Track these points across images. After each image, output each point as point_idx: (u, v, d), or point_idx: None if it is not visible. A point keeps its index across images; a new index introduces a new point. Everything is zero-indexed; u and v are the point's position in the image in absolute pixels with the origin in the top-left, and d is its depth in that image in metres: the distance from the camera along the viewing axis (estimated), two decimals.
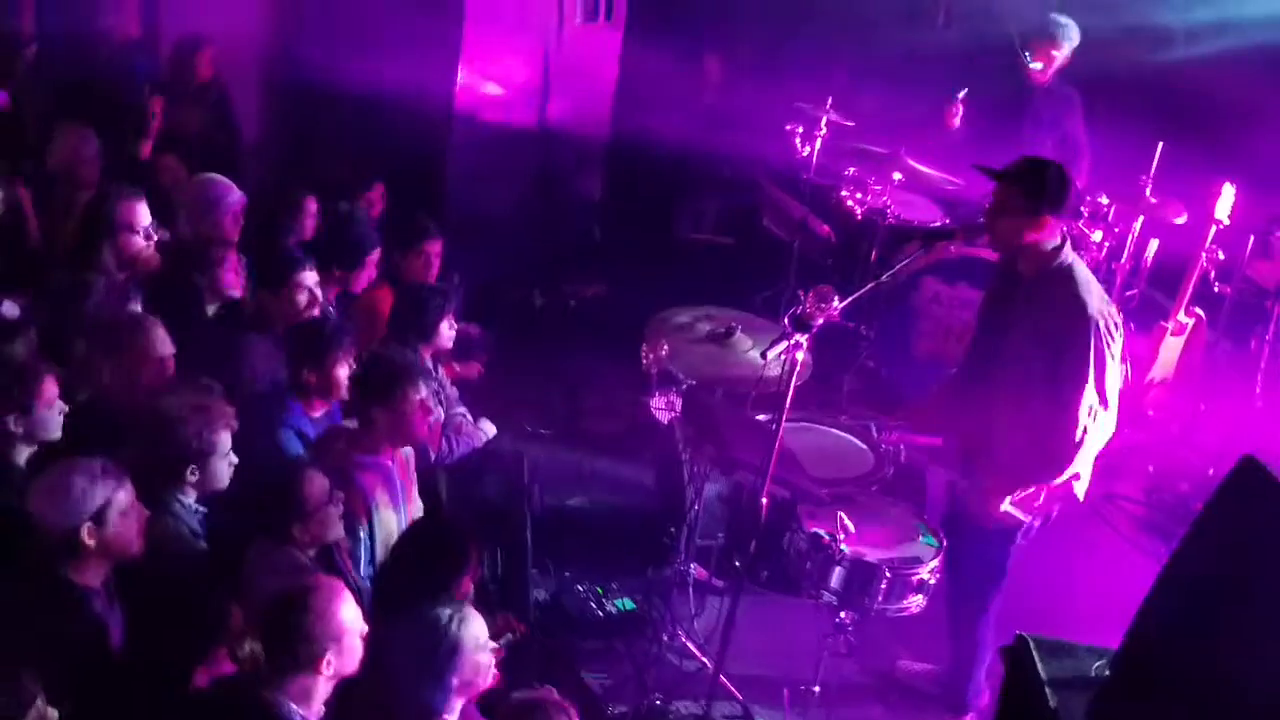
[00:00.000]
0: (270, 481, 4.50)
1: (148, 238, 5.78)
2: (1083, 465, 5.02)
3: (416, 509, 5.10)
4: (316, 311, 5.65)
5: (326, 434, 5.06)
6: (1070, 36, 7.47)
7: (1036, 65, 7.55)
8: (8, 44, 7.73)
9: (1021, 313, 4.96)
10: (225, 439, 4.49)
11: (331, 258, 6.08)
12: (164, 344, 5.01)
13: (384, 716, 3.82)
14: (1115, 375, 4.89)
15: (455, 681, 3.78)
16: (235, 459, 4.53)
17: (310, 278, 5.67)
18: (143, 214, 5.78)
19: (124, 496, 4.00)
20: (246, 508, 4.49)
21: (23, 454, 4.47)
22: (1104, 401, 4.86)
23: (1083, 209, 7.36)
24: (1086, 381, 4.78)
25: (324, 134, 8.52)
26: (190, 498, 4.49)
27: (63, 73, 7.92)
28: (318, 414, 5.23)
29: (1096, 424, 4.87)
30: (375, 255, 6.23)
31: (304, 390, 5.19)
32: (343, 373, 5.19)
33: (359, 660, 3.73)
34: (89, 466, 3.98)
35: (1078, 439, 4.86)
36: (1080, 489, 5.13)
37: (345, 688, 3.77)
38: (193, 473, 4.44)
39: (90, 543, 3.92)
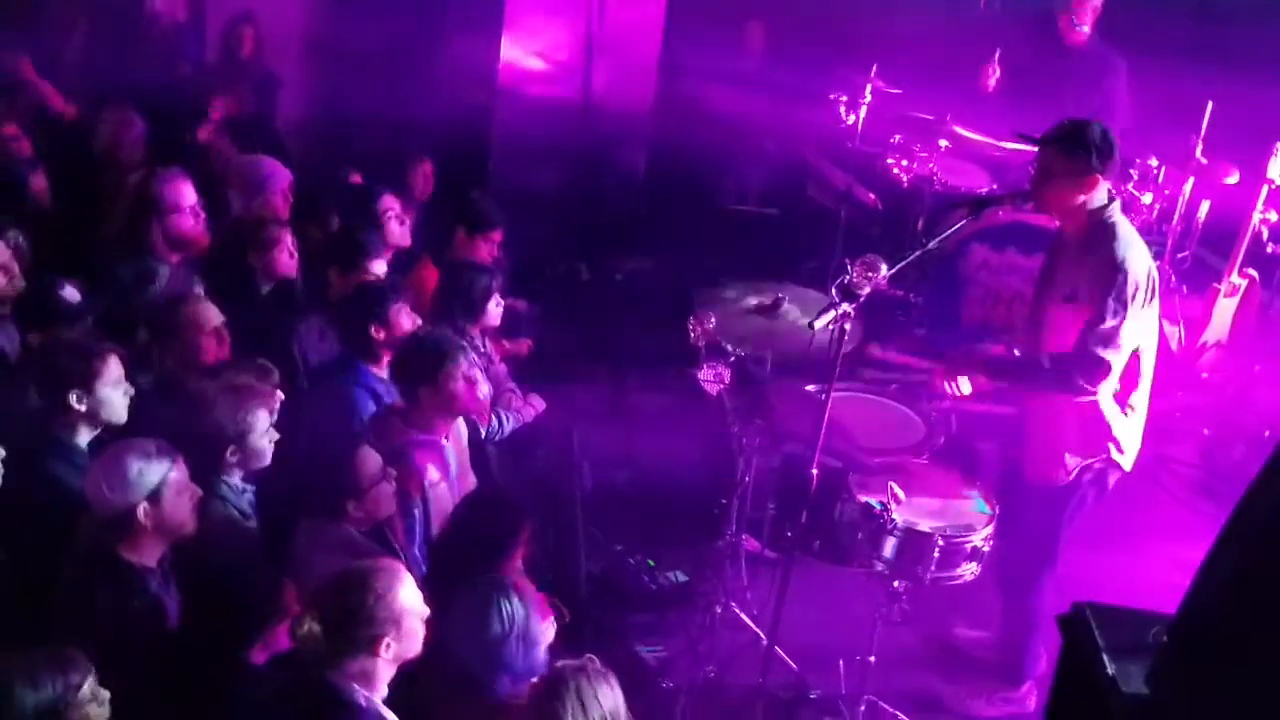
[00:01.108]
0: (324, 459, 4.53)
1: (195, 216, 5.83)
2: (1124, 431, 4.97)
3: (470, 484, 5.13)
4: None
5: (381, 413, 5.10)
6: None
7: (1083, 27, 7.45)
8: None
9: (1068, 273, 4.93)
10: (261, 418, 4.51)
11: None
12: (215, 317, 5.06)
13: (448, 693, 3.84)
14: (1153, 341, 4.81)
15: (519, 651, 3.81)
16: (276, 435, 4.56)
17: (380, 266, 5.78)
18: (188, 194, 5.83)
19: (177, 475, 4.04)
20: (304, 483, 4.53)
21: (85, 435, 4.50)
22: (1115, 347, 4.77)
23: (1132, 171, 7.27)
24: (1104, 320, 4.70)
25: (368, 111, 8.55)
26: (236, 478, 4.53)
27: (111, 56, 7.99)
28: (386, 373, 5.29)
29: (1105, 364, 4.78)
30: (385, 201, 6.29)
31: (371, 349, 5.28)
32: (406, 321, 5.31)
33: (420, 642, 3.72)
34: (143, 446, 4.03)
35: (1120, 400, 4.81)
36: (1127, 460, 5.08)
37: (411, 670, 3.77)
38: (233, 454, 4.47)
39: (146, 522, 3.97)
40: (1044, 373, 4.89)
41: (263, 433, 4.53)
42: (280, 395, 4.75)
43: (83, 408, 4.44)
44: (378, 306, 5.30)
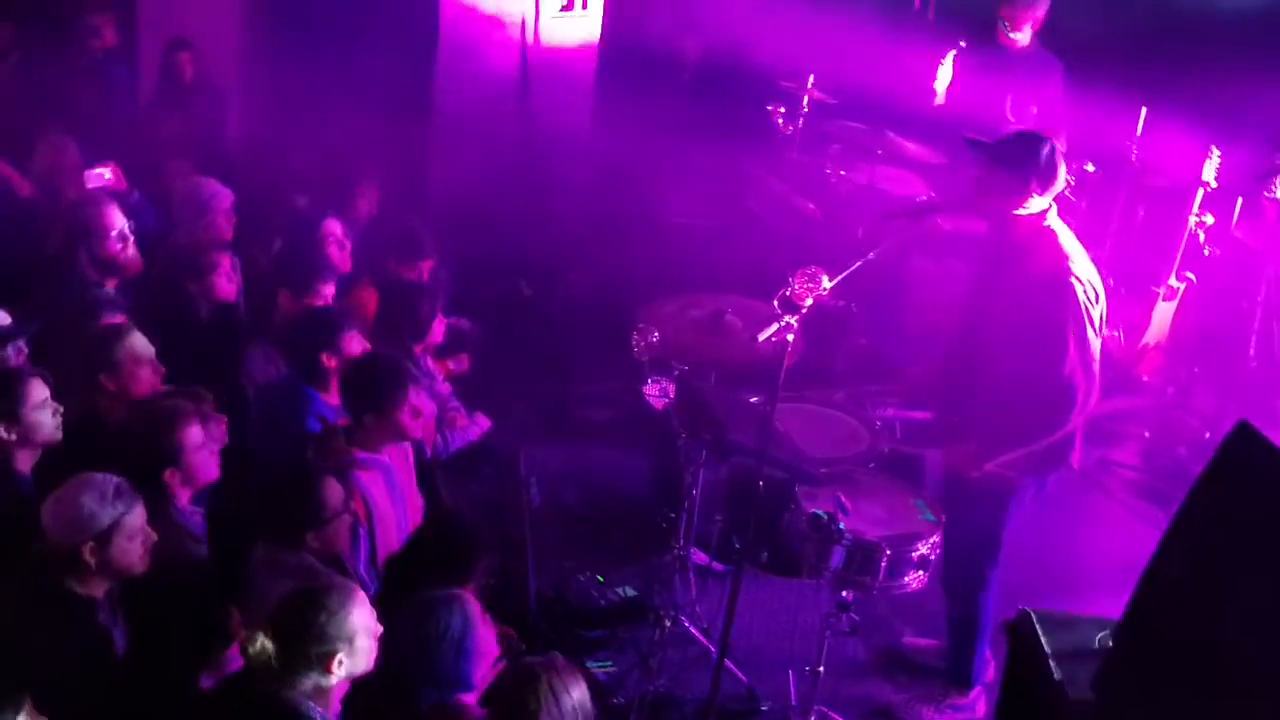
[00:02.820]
0: (285, 487, 4.49)
1: (123, 241, 5.77)
2: (1071, 431, 5.02)
3: (416, 504, 5.09)
4: None
5: (325, 433, 5.06)
6: None
7: (1020, 35, 7.51)
8: None
9: (1006, 280, 4.96)
10: (192, 434, 4.47)
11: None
12: (144, 349, 4.99)
13: (376, 697, 3.82)
14: (1095, 340, 4.88)
15: (453, 661, 3.80)
16: (215, 446, 4.53)
17: (330, 289, 5.76)
18: (115, 218, 5.77)
19: (132, 520, 4.00)
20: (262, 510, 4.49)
21: (25, 461, 4.45)
22: (1085, 366, 4.85)
23: (1070, 177, 7.34)
24: (1068, 344, 4.78)
25: (305, 132, 8.50)
26: (184, 499, 4.48)
27: (42, 83, 7.90)
28: (337, 400, 5.25)
29: (1079, 388, 4.86)
30: (327, 226, 6.28)
31: (321, 376, 5.24)
32: (357, 348, 5.30)
33: (371, 661, 3.73)
34: (102, 486, 3.98)
35: (1062, 401, 4.85)
36: (1074, 457, 5.12)
37: (359, 685, 3.77)
38: (172, 475, 4.42)
39: (91, 560, 3.93)
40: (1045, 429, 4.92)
41: (197, 449, 4.48)
42: (220, 417, 4.70)
43: (13, 436, 4.39)
44: (330, 333, 5.26)
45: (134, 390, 4.91)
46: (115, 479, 4.02)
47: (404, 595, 4.06)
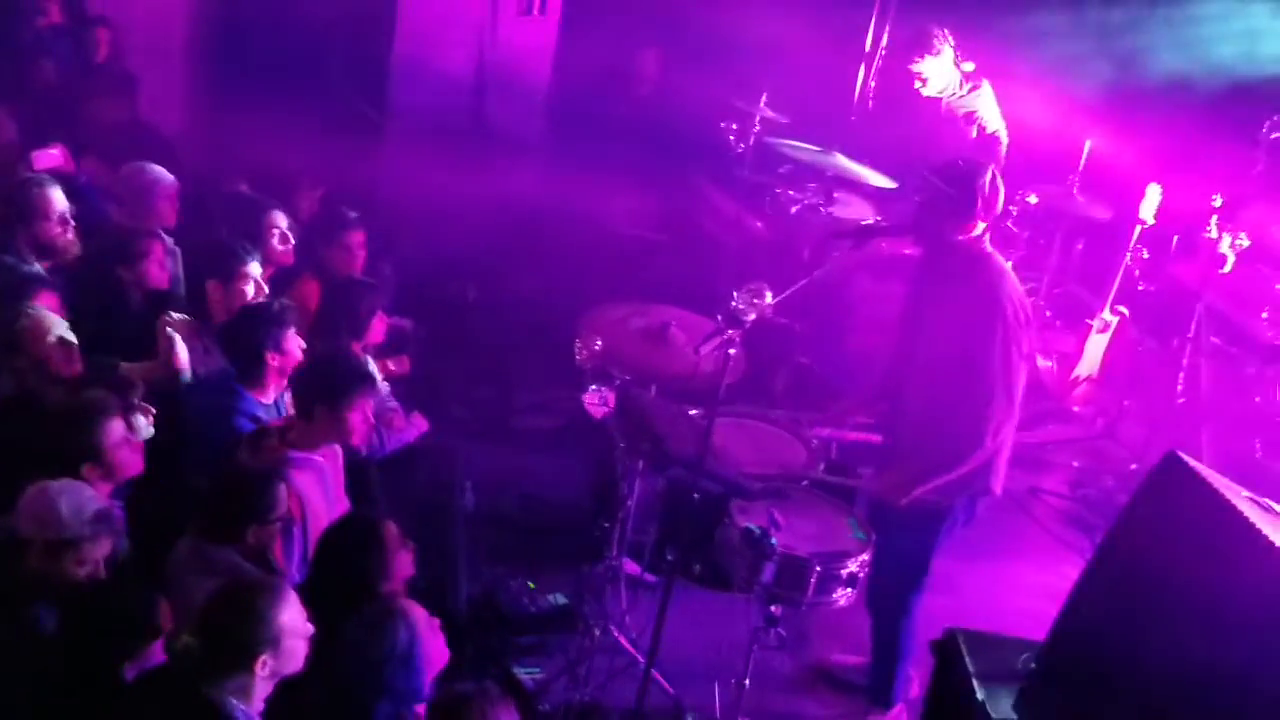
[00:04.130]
0: (234, 482, 4.46)
1: (63, 224, 5.70)
2: (993, 455, 5.08)
3: (343, 508, 5.06)
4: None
5: (259, 432, 5.01)
6: (940, 47, 7.34)
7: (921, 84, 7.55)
8: None
9: (940, 302, 5.03)
10: (112, 429, 4.42)
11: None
12: (54, 326, 4.92)
13: (328, 715, 3.81)
14: (1020, 368, 4.95)
15: (402, 675, 3.79)
16: (138, 439, 4.50)
17: (255, 268, 5.65)
18: (58, 200, 5.69)
19: (92, 549, 3.99)
20: (193, 501, 4.46)
21: None
22: (1007, 389, 4.92)
23: (1011, 208, 7.45)
24: (992, 365, 4.85)
25: (255, 126, 8.44)
26: (103, 492, 4.39)
27: None
28: (270, 399, 5.22)
29: (997, 411, 4.93)
30: (272, 218, 6.19)
31: (260, 375, 5.17)
32: (296, 348, 5.22)
33: (301, 661, 3.72)
34: (86, 505, 3.99)
35: (980, 424, 4.92)
36: (997, 484, 5.18)
37: (288, 685, 3.75)
38: (91, 469, 4.36)
39: (33, 561, 3.94)
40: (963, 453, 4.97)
41: (118, 444, 4.43)
42: (147, 408, 4.66)
43: None
44: (275, 330, 5.18)
45: (53, 370, 4.84)
46: (103, 506, 4.03)
47: (330, 599, 4.05)
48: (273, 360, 5.17)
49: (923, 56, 7.32)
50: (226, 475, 4.53)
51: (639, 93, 9.20)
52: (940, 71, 7.38)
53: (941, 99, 7.45)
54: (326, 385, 4.91)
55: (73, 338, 4.95)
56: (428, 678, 3.86)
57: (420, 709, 3.84)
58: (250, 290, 5.64)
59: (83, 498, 4.00)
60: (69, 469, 4.26)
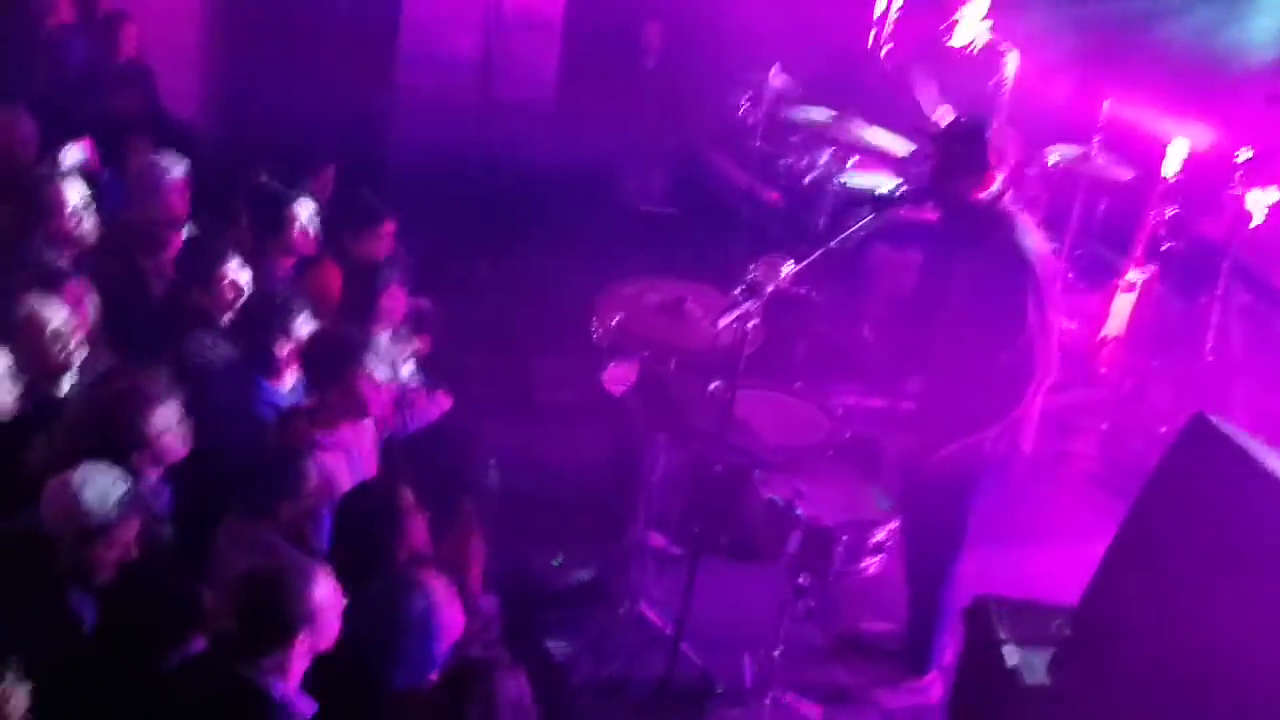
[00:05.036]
0: (267, 458, 4.51)
1: (79, 215, 5.69)
2: (1026, 411, 5.04)
3: None
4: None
5: (286, 414, 5.02)
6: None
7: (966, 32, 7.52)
8: None
9: (964, 265, 4.99)
10: (162, 415, 4.42)
11: (260, 231, 6.09)
12: (52, 319, 4.88)
13: (363, 687, 3.82)
14: (1055, 322, 4.92)
15: (419, 645, 3.80)
16: (184, 427, 4.49)
17: (232, 268, 5.57)
18: (72, 195, 5.69)
19: (122, 531, 3.98)
20: (224, 484, 4.48)
21: None
22: (1046, 342, 4.88)
23: (1030, 170, 7.38)
24: (1027, 322, 4.81)
25: (266, 110, 8.43)
26: (152, 478, 4.44)
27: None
28: (288, 387, 5.20)
29: (1037, 365, 4.88)
30: (295, 208, 6.14)
31: (273, 364, 5.16)
32: (306, 333, 5.20)
33: (334, 636, 3.75)
34: (110, 487, 3.97)
35: (1019, 380, 4.89)
36: (1024, 440, 5.15)
37: (322, 658, 3.78)
38: (139, 455, 4.37)
39: (67, 555, 3.93)
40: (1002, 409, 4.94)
41: (165, 430, 4.43)
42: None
43: None
44: (282, 319, 5.17)
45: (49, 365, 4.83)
46: (125, 485, 4.01)
47: (351, 568, 4.05)
48: (282, 350, 5.16)
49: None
50: (260, 453, 4.59)
51: (645, 65, 9.15)
52: (973, 18, 7.32)
53: (969, 50, 7.42)
54: (325, 362, 4.94)
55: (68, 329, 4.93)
56: (443, 646, 3.87)
57: (433, 676, 3.84)
58: (228, 291, 5.52)
59: (105, 482, 3.98)
60: (119, 456, 4.27)
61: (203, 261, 5.59)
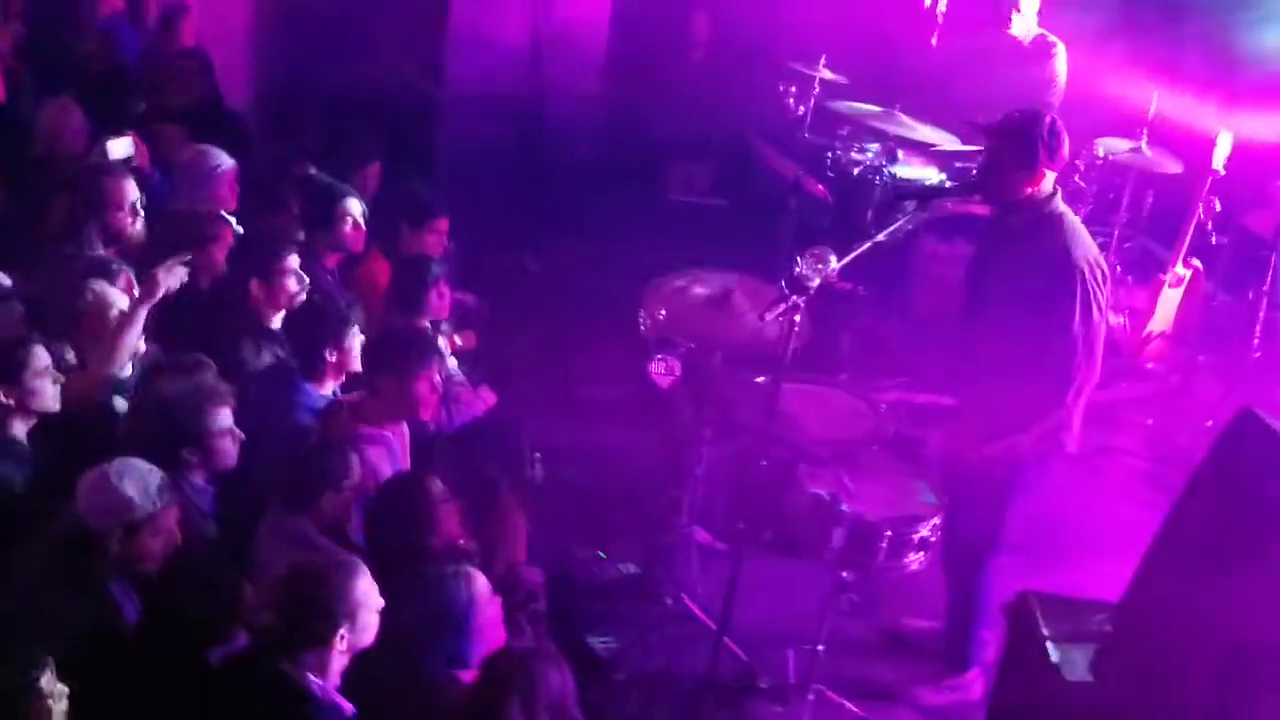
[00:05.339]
0: (309, 451, 4.55)
1: (134, 214, 5.75)
2: (1069, 413, 5.02)
3: None
4: (303, 294, 5.59)
5: (329, 407, 5.07)
6: None
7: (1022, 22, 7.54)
8: None
9: (1011, 263, 4.96)
10: (221, 417, 4.46)
11: (311, 227, 6.13)
12: (116, 303, 4.95)
13: (401, 680, 3.85)
14: (1100, 327, 4.88)
15: (474, 639, 3.84)
16: (240, 434, 4.52)
17: (293, 261, 5.61)
18: (130, 190, 5.74)
19: (164, 518, 4.00)
20: (264, 484, 4.52)
21: (19, 428, 4.44)
22: (1090, 349, 4.85)
23: (1078, 163, 7.34)
24: (1074, 328, 4.78)
25: (315, 103, 8.49)
26: (198, 478, 4.47)
27: (52, 48, 7.88)
28: (327, 390, 5.25)
29: (1079, 370, 4.86)
30: (347, 205, 6.17)
31: (319, 370, 5.19)
32: (358, 345, 5.23)
33: (374, 634, 3.77)
34: (147, 478, 3.98)
35: (1061, 382, 4.86)
36: (1068, 439, 5.13)
37: (362, 656, 3.80)
38: (191, 454, 4.42)
39: (114, 547, 3.95)
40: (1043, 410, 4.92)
41: (222, 432, 4.47)
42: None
43: (11, 401, 4.38)
44: (337, 329, 5.21)
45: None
46: (159, 472, 4.02)
47: (386, 562, 4.10)
48: (331, 357, 5.19)
49: None
50: (302, 446, 4.62)
51: (692, 56, 9.14)
52: (1030, 10, 7.39)
53: (1022, 41, 7.40)
54: (392, 357, 4.96)
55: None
56: (479, 650, 3.88)
57: (467, 676, 3.86)
58: (292, 284, 5.55)
59: (142, 472, 3.99)
60: (170, 450, 4.32)
61: (264, 257, 5.60)
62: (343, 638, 3.68)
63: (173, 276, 4.96)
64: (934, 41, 8.12)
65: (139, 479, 3.96)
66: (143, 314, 4.83)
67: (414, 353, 4.95)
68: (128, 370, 4.90)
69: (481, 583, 3.94)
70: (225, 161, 6.25)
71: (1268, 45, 7.48)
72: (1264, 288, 7.25)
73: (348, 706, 3.71)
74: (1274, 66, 7.44)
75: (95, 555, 3.95)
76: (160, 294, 4.90)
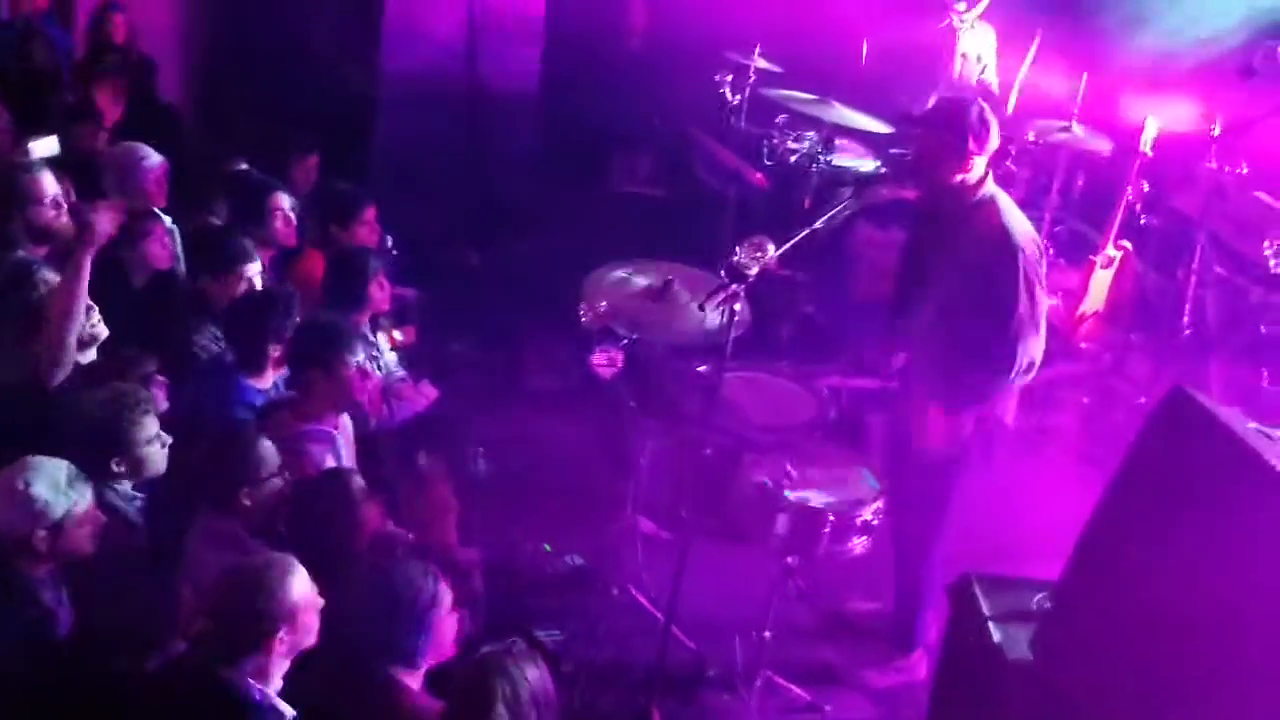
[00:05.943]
0: (220, 446, 4.44)
1: (56, 207, 5.68)
2: (1011, 390, 5.09)
3: None
4: None
5: (268, 406, 5.03)
6: None
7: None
8: None
9: (948, 248, 5.01)
10: (146, 426, 4.40)
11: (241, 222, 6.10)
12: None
13: (345, 680, 3.82)
14: (1043, 300, 4.95)
15: (427, 639, 3.81)
16: (167, 439, 4.46)
17: (254, 268, 5.60)
18: (48, 185, 5.66)
19: (84, 507, 3.95)
20: (193, 482, 4.45)
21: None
22: (1035, 324, 4.92)
23: (1010, 147, 7.42)
24: (1018, 307, 4.84)
25: (248, 97, 8.42)
26: (125, 485, 4.43)
27: None
28: (267, 384, 5.21)
29: (1027, 348, 4.94)
30: (277, 199, 6.14)
31: (260, 364, 5.16)
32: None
33: (315, 634, 3.71)
34: (54, 474, 3.92)
35: (1009, 363, 4.92)
36: (1009, 419, 5.20)
37: (304, 656, 3.75)
38: (118, 464, 4.36)
39: (42, 548, 3.90)
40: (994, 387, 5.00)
41: (148, 441, 4.41)
42: (161, 396, 4.66)
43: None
44: (280, 322, 5.17)
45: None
46: (65, 465, 3.96)
47: (314, 560, 3.97)
48: (274, 351, 5.16)
49: None
50: (211, 441, 4.51)
51: (630, 46, 9.14)
52: None
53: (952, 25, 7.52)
54: (314, 351, 4.92)
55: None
56: (432, 650, 3.85)
57: (413, 679, 3.82)
58: (244, 288, 5.54)
59: (49, 470, 3.93)
60: (98, 459, 4.26)
61: (221, 255, 5.58)
62: (282, 640, 3.60)
63: (108, 220, 4.84)
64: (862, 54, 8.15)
65: (48, 477, 3.91)
66: (87, 262, 4.68)
67: (336, 339, 4.91)
68: (91, 355, 4.84)
69: (446, 588, 3.90)
70: (153, 158, 6.18)
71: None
72: (1193, 266, 7.37)
73: (289, 711, 3.65)
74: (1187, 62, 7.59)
75: (22, 563, 3.90)
76: (99, 239, 4.76)
